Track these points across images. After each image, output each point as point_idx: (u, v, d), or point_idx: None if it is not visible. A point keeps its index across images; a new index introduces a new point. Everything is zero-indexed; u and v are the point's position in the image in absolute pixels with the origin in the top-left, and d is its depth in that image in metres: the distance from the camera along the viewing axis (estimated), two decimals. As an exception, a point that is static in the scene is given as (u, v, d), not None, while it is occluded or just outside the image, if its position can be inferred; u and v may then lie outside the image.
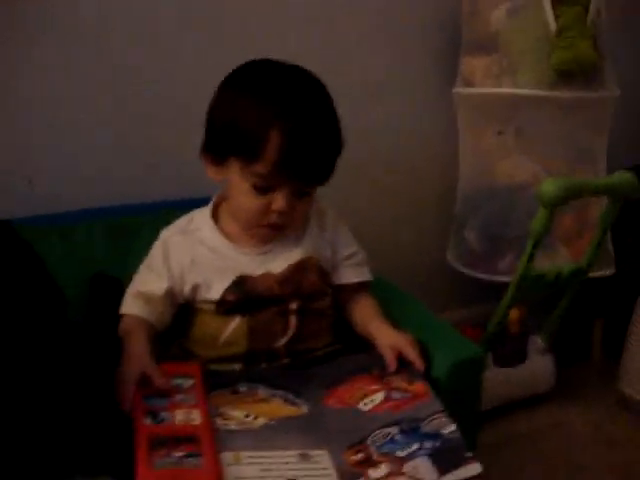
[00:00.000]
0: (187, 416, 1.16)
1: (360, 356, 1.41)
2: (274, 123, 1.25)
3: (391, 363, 1.34)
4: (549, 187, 1.70)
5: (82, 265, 1.55)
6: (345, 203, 2.07)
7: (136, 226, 1.61)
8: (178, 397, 1.20)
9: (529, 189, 1.91)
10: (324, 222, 1.48)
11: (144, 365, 1.23)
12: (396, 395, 1.29)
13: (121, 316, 1.37)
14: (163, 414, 1.16)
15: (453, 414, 1.24)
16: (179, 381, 1.24)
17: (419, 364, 1.33)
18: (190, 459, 1.07)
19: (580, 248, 2.02)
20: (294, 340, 1.38)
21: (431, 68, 2.20)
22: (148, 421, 1.13)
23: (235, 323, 1.37)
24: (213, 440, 1.12)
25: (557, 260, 2.06)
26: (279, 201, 1.31)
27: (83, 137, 1.70)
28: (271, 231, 1.38)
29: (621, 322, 2.13)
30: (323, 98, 1.34)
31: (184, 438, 1.10)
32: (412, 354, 1.34)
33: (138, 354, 1.26)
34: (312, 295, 1.41)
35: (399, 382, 1.32)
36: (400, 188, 2.25)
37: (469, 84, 2.08)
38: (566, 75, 1.92)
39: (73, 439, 1.10)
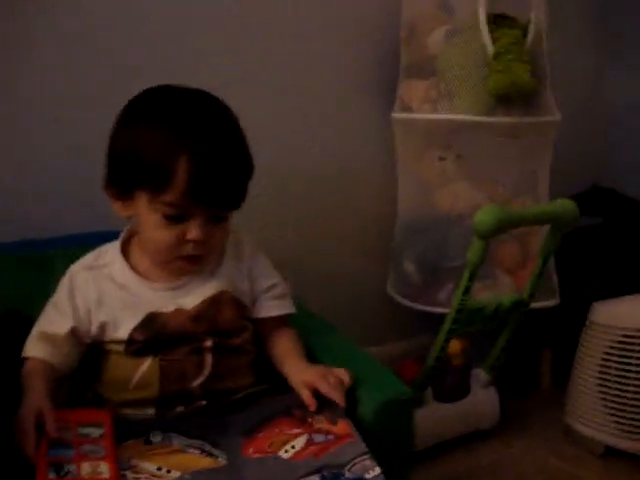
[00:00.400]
0: (94, 469, 1.08)
1: (281, 397, 1.34)
2: (180, 150, 1.20)
3: (309, 402, 1.28)
4: (483, 217, 1.64)
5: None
6: (284, 233, 2.04)
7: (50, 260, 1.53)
8: (86, 448, 1.12)
9: (469, 218, 1.84)
10: (241, 252, 1.42)
11: (39, 410, 1.14)
12: (318, 438, 1.22)
13: (25, 359, 1.29)
14: (68, 467, 1.07)
15: (381, 456, 1.18)
16: (87, 430, 1.16)
17: (338, 399, 1.27)
18: None
19: (524, 277, 1.97)
20: (211, 380, 1.31)
21: (371, 93, 2.17)
22: (51, 475, 1.05)
23: (146, 365, 1.30)
24: None
25: (500, 290, 2.00)
26: (194, 230, 1.25)
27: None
28: (188, 264, 1.32)
29: (570, 351, 2.06)
30: (228, 121, 1.30)
31: None
32: (326, 389, 1.28)
33: (34, 398, 1.18)
34: (228, 331, 1.35)
35: (321, 423, 1.25)
36: (340, 217, 2.21)
37: (407, 109, 2.02)
38: (504, 100, 1.87)
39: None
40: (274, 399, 1.34)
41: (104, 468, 1.08)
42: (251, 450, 1.22)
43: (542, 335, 2.30)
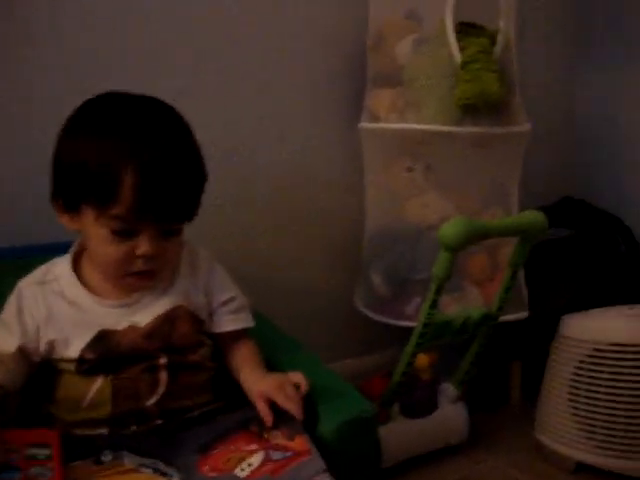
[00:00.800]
0: None
1: (239, 411, 1.30)
2: (125, 161, 1.15)
3: (265, 415, 1.24)
4: (449, 230, 1.61)
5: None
6: (249, 245, 2.01)
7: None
8: (32, 471, 1.07)
9: (437, 229, 1.79)
10: (196, 266, 1.37)
11: None
12: (276, 455, 1.19)
13: None
14: None
15: (346, 474, 1.18)
16: (34, 451, 1.11)
17: (294, 411, 1.23)
18: None
19: (493, 290, 1.94)
20: (166, 399, 1.27)
21: (338, 103, 2.14)
22: None
23: (98, 384, 1.25)
24: None
25: (468, 303, 1.97)
26: (143, 245, 1.20)
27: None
28: (139, 280, 1.27)
29: (540, 364, 2.03)
30: (178, 129, 1.24)
31: None
32: (282, 400, 1.24)
33: None
34: (184, 348, 1.31)
35: (278, 438, 1.22)
36: (308, 228, 2.18)
37: (375, 119, 1.99)
38: (472, 110, 1.83)
39: None
40: (231, 415, 1.30)
41: None
42: (206, 468, 1.18)
43: (512, 348, 2.27)
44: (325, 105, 2.11)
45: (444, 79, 1.85)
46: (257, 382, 1.30)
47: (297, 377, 1.28)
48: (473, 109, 1.83)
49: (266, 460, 1.17)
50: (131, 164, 1.14)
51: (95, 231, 1.21)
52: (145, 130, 1.19)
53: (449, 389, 1.99)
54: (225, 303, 1.38)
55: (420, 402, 1.94)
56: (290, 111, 2.06)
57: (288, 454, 1.18)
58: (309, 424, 1.26)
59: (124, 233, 1.19)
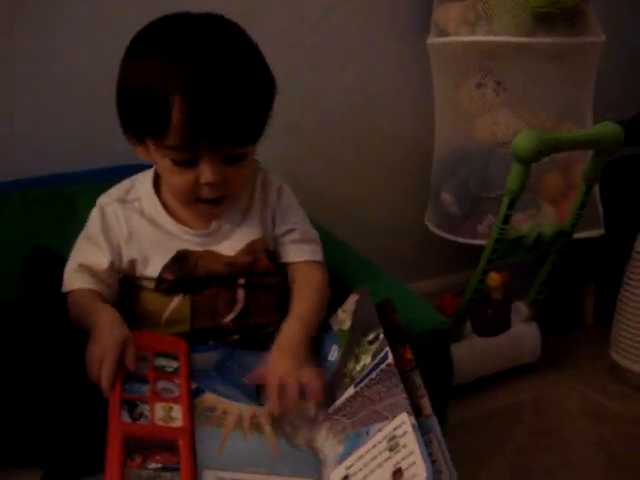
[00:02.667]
0: (167, 413, 1.02)
1: None
2: (172, 84, 1.08)
3: (271, 399, 1.10)
4: (522, 141, 1.56)
5: (17, 237, 1.46)
6: (317, 167, 1.98)
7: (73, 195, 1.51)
8: (160, 385, 1.06)
9: (508, 146, 1.75)
10: (267, 195, 1.33)
11: (124, 338, 1.07)
12: None
13: (66, 295, 1.24)
14: (141, 407, 1.01)
15: None
16: (163, 362, 1.10)
17: (272, 403, 1.09)
18: (166, 474, 0.94)
19: (567, 207, 1.89)
20: (243, 315, 1.25)
21: (404, 20, 2.07)
22: (125, 416, 0.99)
23: (176, 301, 1.24)
24: (193, 451, 0.98)
25: (543, 220, 1.93)
26: (206, 173, 1.15)
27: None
28: (210, 207, 1.23)
29: (615, 284, 1.99)
30: (234, 44, 1.14)
31: (162, 444, 0.97)
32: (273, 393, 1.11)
33: (116, 324, 1.11)
34: (262, 273, 1.29)
35: None
36: (376, 151, 2.15)
37: (444, 34, 1.93)
38: (545, 19, 1.77)
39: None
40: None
41: (177, 413, 1.02)
42: None
43: (586, 269, 2.23)
44: (391, 24, 2.05)
45: (517, -13, 1.78)
46: (277, 354, 1.17)
47: (311, 375, 1.12)
48: (547, 18, 1.77)
49: None
50: (178, 86, 1.07)
51: (160, 162, 1.19)
52: (194, 48, 1.10)
53: (521, 308, 1.97)
54: (286, 233, 1.33)
55: (492, 320, 1.92)
56: (357, 31, 2.01)
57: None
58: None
59: (184, 163, 1.15)
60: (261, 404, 1.10)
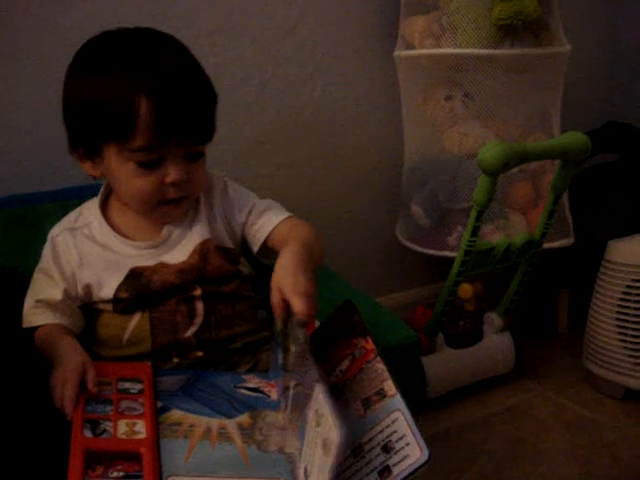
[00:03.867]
0: (131, 428, 1.02)
1: None
2: (135, 90, 1.14)
3: (275, 305, 1.07)
4: (488, 153, 1.57)
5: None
6: (288, 181, 1.98)
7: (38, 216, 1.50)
8: (123, 404, 1.06)
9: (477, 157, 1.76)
10: (211, 198, 1.35)
11: (83, 365, 1.08)
12: None
13: (31, 332, 1.24)
14: (104, 424, 1.02)
15: None
16: (127, 385, 1.10)
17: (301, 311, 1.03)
18: None
19: (537, 217, 1.90)
20: (204, 329, 1.25)
21: (372, 33, 2.09)
22: (87, 432, 0.99)
23: (136, 320, 1.25)
24: (157, 459, 0.98)
25: (512, 231, 1.94)
26: (172, 171, 1.20)
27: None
28: (172, 208, 1.26)
29: (587, 292, 1.99)
30: (180, 52, 1.23)
31: (124, 454, 0.97)
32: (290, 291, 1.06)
33: (75, 354, 1.12)
34: (218, 279, 1.29)
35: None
36: (346, 164, 2.15)
37: (410, 47, 1.95)
38: (509, 31, 1.79)
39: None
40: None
41: (141, 427, 1.02)
42: None
43: (559, 277, 2.23)
44: (359, 36, 2.07)
45: (480, 0, 1.79)
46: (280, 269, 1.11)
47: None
48: (511, 30, 1.78)
49: None
50: (142, 91, 1.13)
51: (120, 168, 1.20)
52: (148, 57, 1.18)
53: (494, 319, 1.97)
54: (248, 215, 1.34)
55: (464, 332, 1.93)
56: (324, 44, 2.01)
57: None
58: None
59: (150, 164, 1.18)
60: (232, 417, 1.09)
